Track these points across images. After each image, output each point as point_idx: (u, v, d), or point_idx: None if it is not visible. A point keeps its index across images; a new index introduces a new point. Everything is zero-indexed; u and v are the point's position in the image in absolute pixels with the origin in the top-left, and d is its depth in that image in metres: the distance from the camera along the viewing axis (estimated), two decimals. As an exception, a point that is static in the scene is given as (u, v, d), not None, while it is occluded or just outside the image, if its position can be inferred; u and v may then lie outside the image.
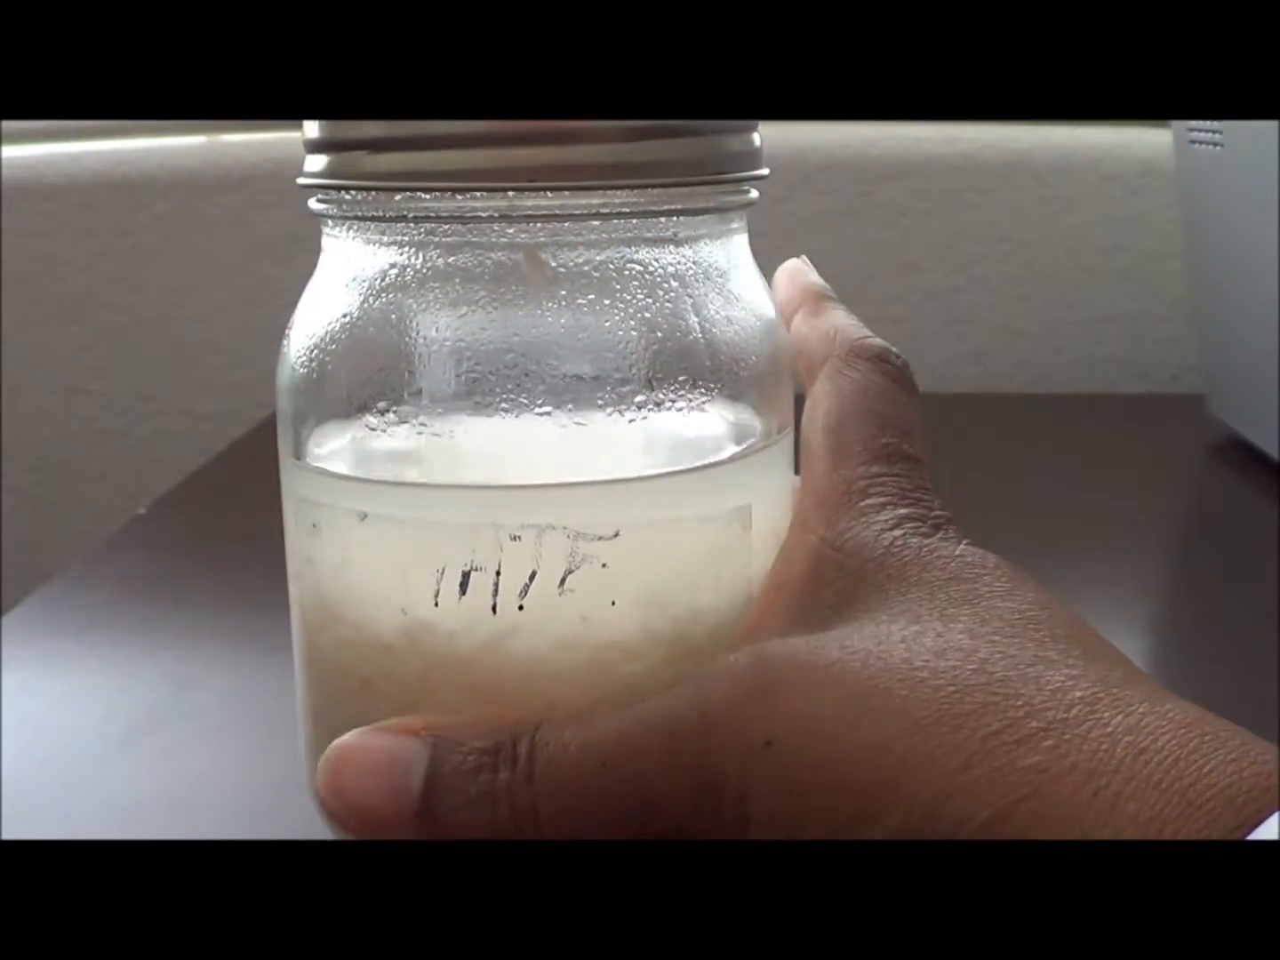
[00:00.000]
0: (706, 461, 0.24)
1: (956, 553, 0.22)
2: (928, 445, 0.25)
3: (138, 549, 0.51)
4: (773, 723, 0.19)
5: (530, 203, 0.22)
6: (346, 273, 0.24)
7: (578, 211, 0.22)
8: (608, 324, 0.23)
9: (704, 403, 0.24)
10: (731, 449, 0.25)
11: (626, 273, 0.23)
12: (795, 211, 0.75)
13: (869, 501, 0.23)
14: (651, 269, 0.23)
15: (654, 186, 0.23)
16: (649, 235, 0.23)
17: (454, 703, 0.23)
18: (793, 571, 0.23)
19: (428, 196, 0.22)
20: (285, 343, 0.25)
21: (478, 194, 0.22)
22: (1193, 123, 0.60)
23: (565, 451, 0.23)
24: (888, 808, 0.18)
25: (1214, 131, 0.58)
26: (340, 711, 0.25)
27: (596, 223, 0.23)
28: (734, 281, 0.25)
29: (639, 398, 0.23)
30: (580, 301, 0.23)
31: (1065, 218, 0.77)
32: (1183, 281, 0.72)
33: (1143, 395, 0.78)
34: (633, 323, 0.23)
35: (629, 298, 0.23)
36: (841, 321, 0.27)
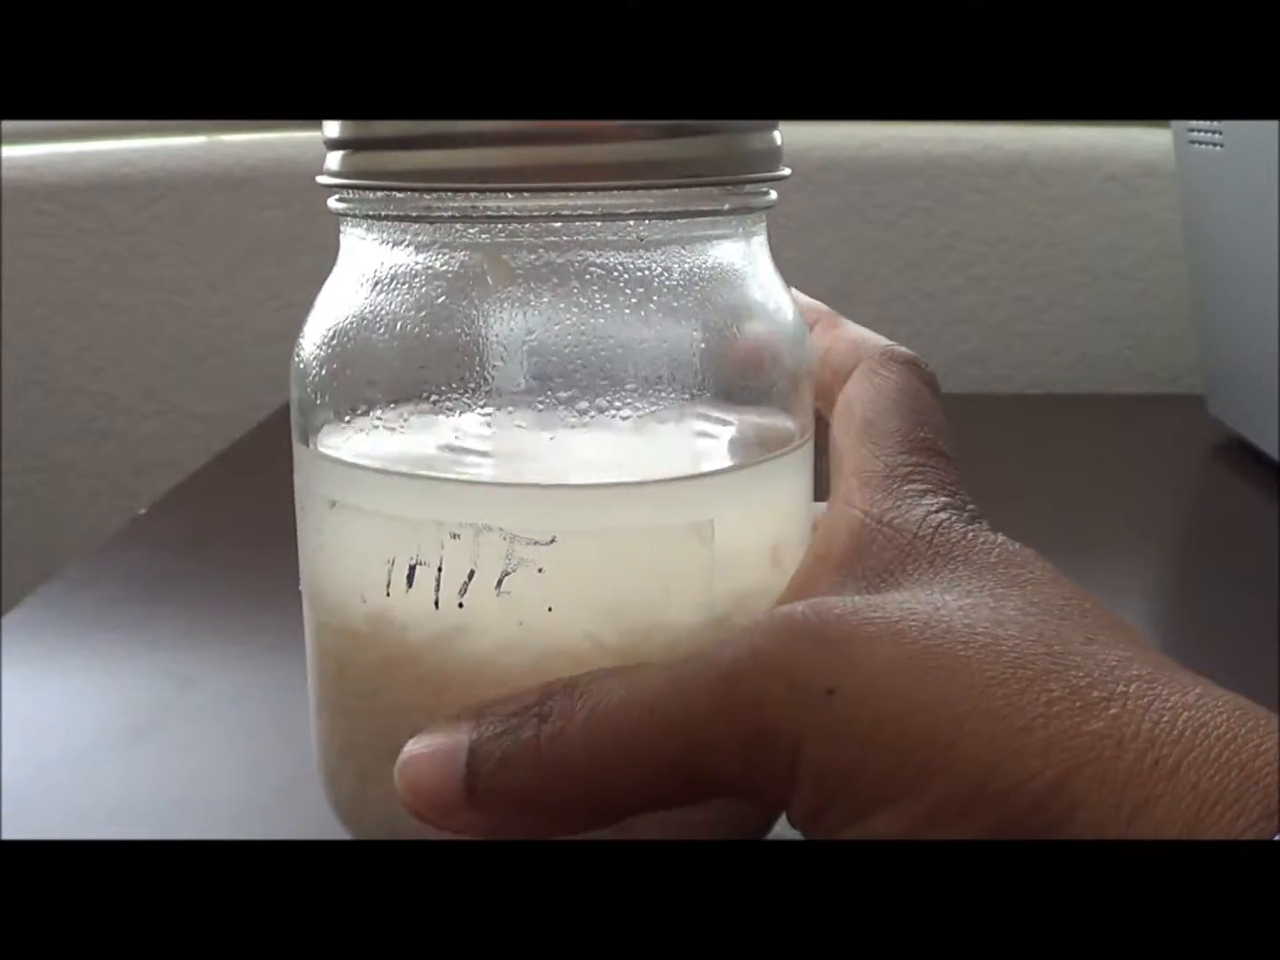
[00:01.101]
0: (657, 476, 0.24)
1: (998, 541, 0.22)
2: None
3: (138, 549, 0.51)
4: (837, 672, 0.19)
5: (555, 203, 0.22)
6: (360, 271, 0.24)
7: (592, 212, 0.22)
8: (615, 327, 0.23)
9: (704, 410, 0.24)
10: (718, 462, 0.25)
11: (641, 274, 0.23)
12: (795, 212, 0.75)
13: (911, 486, 0.24)
14: (654, 270, 0.23)
15: (679, 186, 0.23)
16: (658, 237, 0.23)
17: (408, 693, 0.24)
18: (835, 543, 0.24)
19: (448, 196, 0.23)
20: (302, 333, 0.25)
21: (495, 194, 0.22)
22: (1193, 123, 0.60)
23: (545, 454, 0.24)
24: (947, 765, 0.18)
25: (1214, 131, 0.58)
26: (322, 694, 0.26)
27: (630, 223, 0.23)
28: (751, 285, 0.25)
29: (628, 403, 0.23)
30: (589, 303, 0.23)
31: (1065, 218, 0.77)
32: (1183, 281, 0.72)
33: (1143, 395, 0.78)
34: (638, 326, 0.23)
35: (632, 299, 0.23)
36: (864, 331, 0.28)
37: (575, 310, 0.23)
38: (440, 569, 0.23)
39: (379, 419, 0.24)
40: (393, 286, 0.24)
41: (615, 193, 0.22)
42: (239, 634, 0.42)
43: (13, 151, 0.77)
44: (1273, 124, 0.50)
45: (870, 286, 0.77)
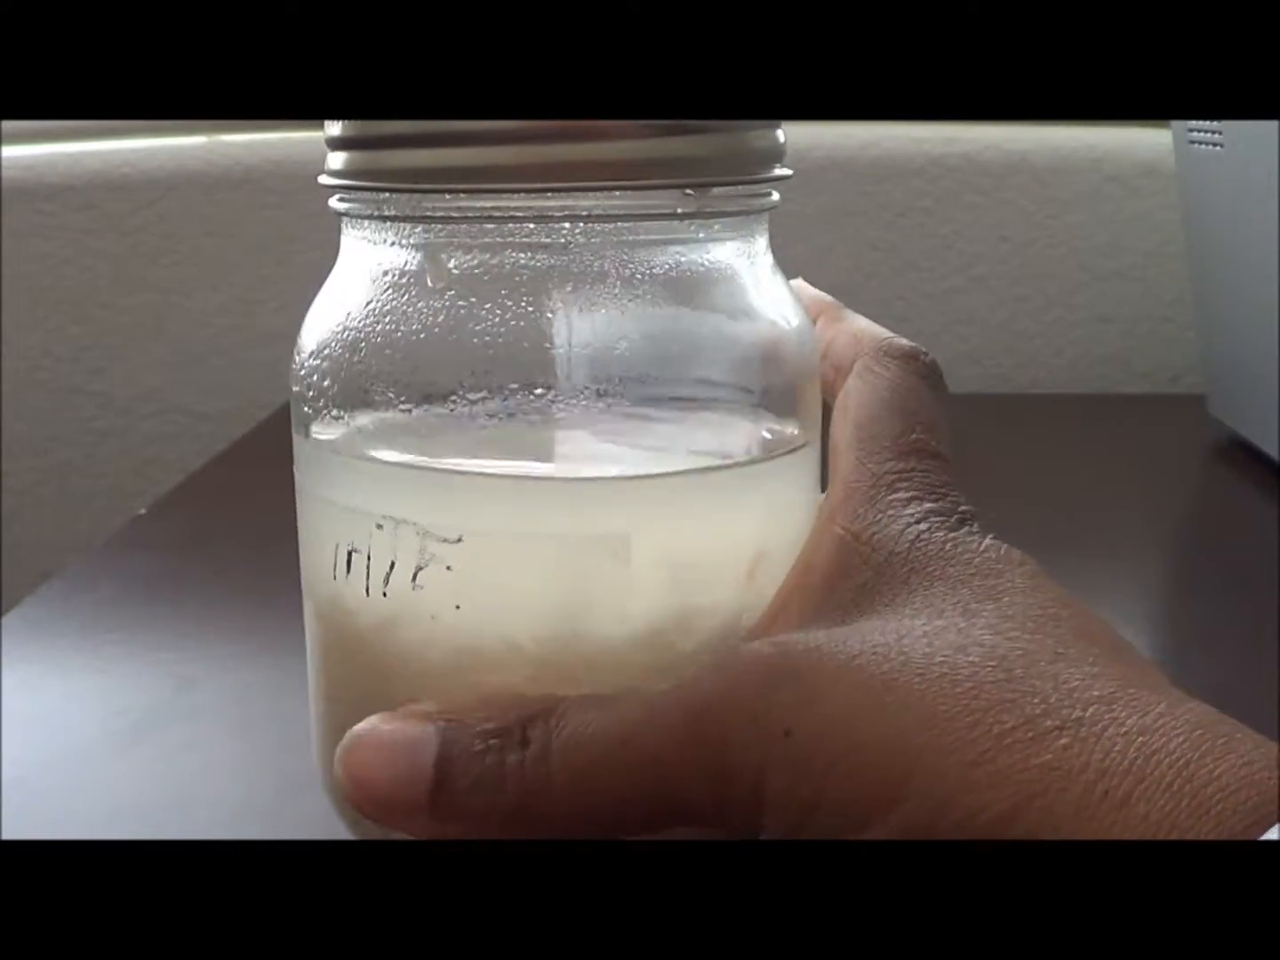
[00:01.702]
0: (561, 477, 0.24)
1: (981, 548, 0.22)
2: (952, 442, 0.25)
3: (138, 549, 0.51)
4: (793, 712, 0.20)
5: (556, 203, 0.22)
6: (358, 270, 0.24)
7: (593, 213, 0.22)
8: (613, 327, 0.23)
9: (677, 414, 0.24)
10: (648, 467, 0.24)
11: (639, 275, 0.23)
12: (795, 211, 0.75)
13: (896, 495, 0.23)
14: (654, 270, 0.23)
15: (680, 188, 0.23)
16: (660, 237, 0.23)
17: (353, 677, 0.24)
18: (818, 561, 0.24)
19: (448, 196, 0.23)
20: (301, 331, 0.25)
21: (500, 194, 0.22)
22: (1193, 123, 0.60)
23: (509, 453, 0.24)
24: (902, 799, 0.18)
25: (1214, 131, 0.58)
26: (312, 680, 0.26)
27: (631, 224, 0.23)
28: (751, 286, 0.25)
29: (613, 404, 0.23)
30: (588, 303, 0.23)
31: (1065, 218, 0.77)
32: (1183, 281, 0.72)
33: (1143, 395, 0.78)
34: (633, 326, 0.23)
35: (637, 299, 0.23)
36: (866, 324, 0.27)
37: (573, 310, 0.23)
38: (369, 558, 0.23)
39: (370, 414, 0.24)
40: (390, 286, 0.24)
41: (617, 193, 0.22)
42: (239, 634, 0.42)
43: (13, 151, 0.77)
44: (1273, 124, 0.50)
45: (870, 286, 0.77)
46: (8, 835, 0.29)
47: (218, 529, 0.53)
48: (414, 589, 0.23)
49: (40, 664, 0.40)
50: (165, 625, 0.43)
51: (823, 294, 0.29)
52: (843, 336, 0.27)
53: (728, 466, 0.24)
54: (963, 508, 0.23)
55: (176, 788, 0.32)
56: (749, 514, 0.24)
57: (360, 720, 0.22)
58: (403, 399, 0.23)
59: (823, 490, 0.26)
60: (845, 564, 0.23)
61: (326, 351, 0.24)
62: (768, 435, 0.25)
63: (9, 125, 0.77)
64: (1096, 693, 0.19)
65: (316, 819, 0.27)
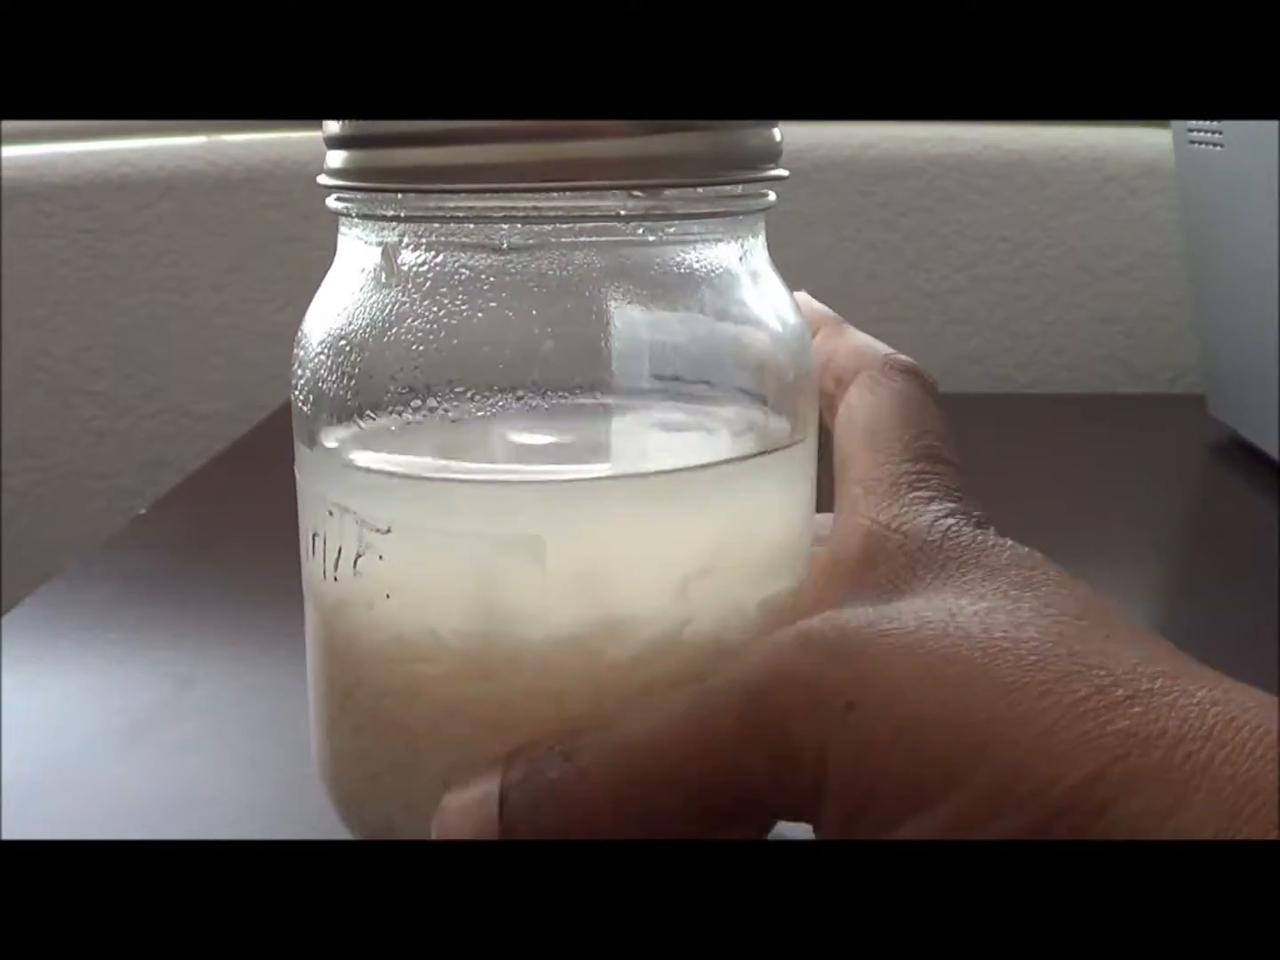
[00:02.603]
0: (488, 478, 0.24)
1: (1008, 545, 0.22)
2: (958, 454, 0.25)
3: (138, 549, 0.51)
4: (855, 686, 0.20)
5: (549, 204, 0.22)
6: (357, 269, 0.24)
7: (594, 213, 0.22)
8: (617, 330, 0.23)
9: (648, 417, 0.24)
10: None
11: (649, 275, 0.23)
12: (795, 211, 0.75)
13: (917, 494, 0.24)
14: (653, 270, 0.23)
15: (679, 186, 0.23)
16: (659, 237, 0.23)
17: (335, 659, 0.25)
18: (846, 553, 0.24)
19: (445, 196, 0.23)
20: (300, 331, 0.26)
21: (494, 194, 0.22)
22: (1193, 123, 0.60)
23: (484, 452, 0.24)
24: (972, 770, 0.18)
25: (1214, 131, 0.58)
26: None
27: (632, 223, 0.23)
28: (745, 287, 0.25)
29: (602, 402, 0.24)
30: (586, 304, 0.23)
31: (1065, 218, 0.77)
32: (1183, 281, 0.72)
33: (1143, 395, 0.78)
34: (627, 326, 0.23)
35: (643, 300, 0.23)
36: (867, 339, 0.28)
37: (571, 311, 0.23)
38: (325, 542, 0.24)
39: (370, 414, 0.24)
40: (388, 286, 0.24)
41: (616, 193, 0.22)
42: (239, 634, 0.42)
43: (13, 151, 0.77)
44: (1273, 124, 0.50)
45: (870, 286, 0.77)
46: (8, 835, 0.29)
47: (218, 529, 0.53)
48: (355, 575, 0.24)
49: (40, 664, 0.40)
50: (165, 625, 0.43)
51: (824, 308, 0.29)
52: (844, 350, 0.27)
53: (650, 475, 0.23)
54: (978, 513, 0.24)
55: (176, 788, 0.32)
56: (683, 524, 0.23)
57: (326, 704, 0.23)
58: (363, 397, 0.24)
59: (805, 501, 0.26)
60: (876, 552, 0.23)
61: (316, 348, 0.25)
62: (748, 437, 0.25)
63: (9, 125, 0.77)
64: (1160, 668, 0.19)
65: (316, 819, 0.27)
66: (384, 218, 0.23)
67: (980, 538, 0.22)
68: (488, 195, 0.22)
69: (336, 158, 0.24)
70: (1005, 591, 0.21)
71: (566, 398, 0.23)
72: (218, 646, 0.41)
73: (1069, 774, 0.18)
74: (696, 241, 0.24)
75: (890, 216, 0.76)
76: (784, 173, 0.25)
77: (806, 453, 0.25)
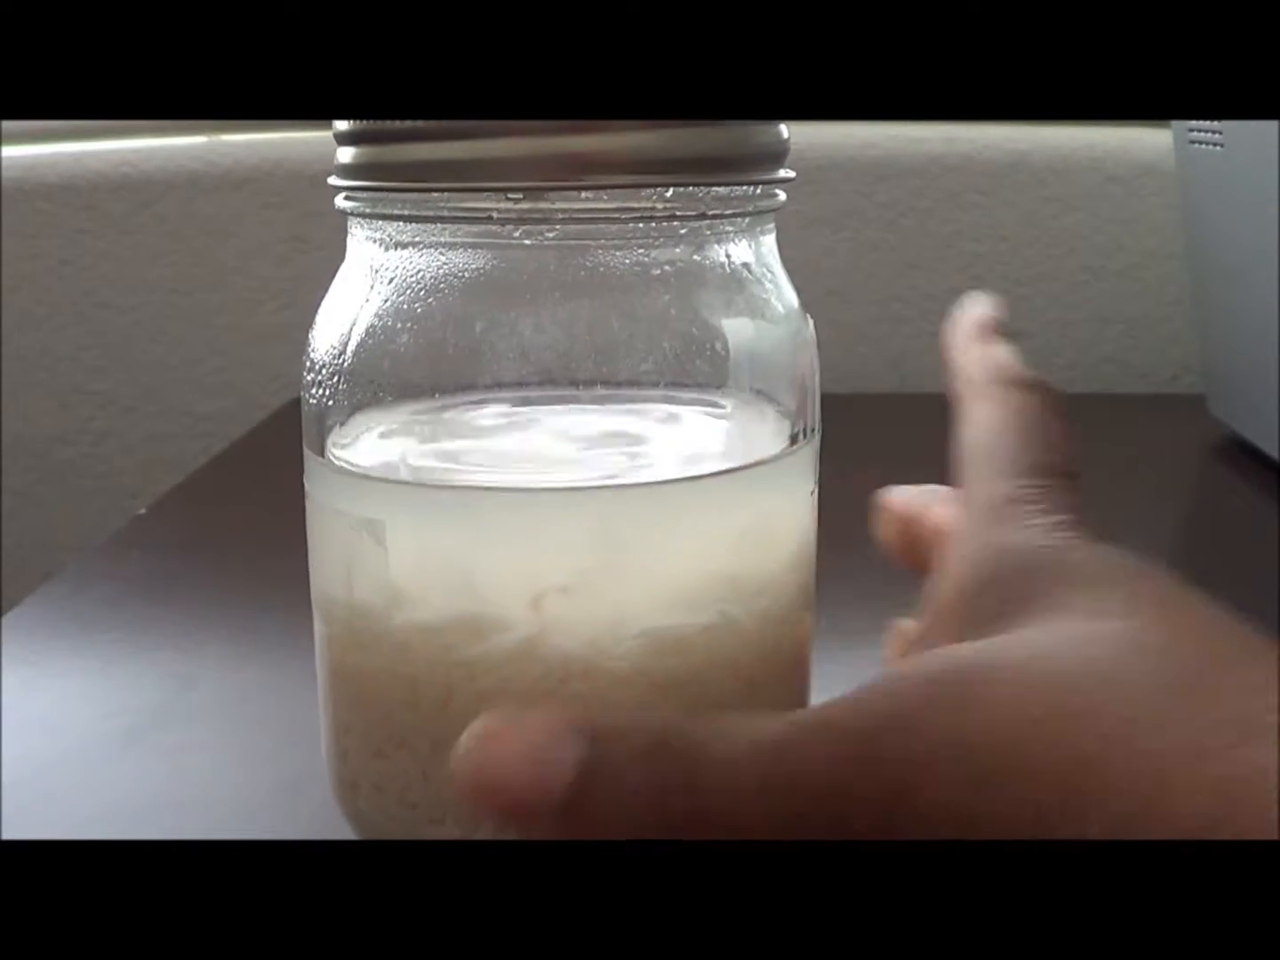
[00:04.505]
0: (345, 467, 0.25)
1: (1122, 553, 0.22)
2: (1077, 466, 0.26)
3: (138, 549, 0.51)
4: (968, 728, 0.19)
5: (556, 205, 0.22)
6: (366, 270, 0.24)
7: (603, 212, 0.22)
8: (629, 329, 0.23)
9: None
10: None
11: (658, 274, 0.23)
12: (795, 211, 0.74)
13: (1033, 508, 0.24)
14: (658, 270, 0.23)
15: (687, 185, 0.23)
16: (667, 237, 0.23)
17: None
18: (965, 571, 0.23)
19: (454, 195, 0.23)
20: (310, 335, 0.26)
21: (504, 193, 0.22)
22: (1193, 123, 0.60)
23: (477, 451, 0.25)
24: (1091, 810, 0.18)
25: (1214, 131, 0.58)
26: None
27: (643, 224, 0.23)
28: (759, 286, 0.25)
29: (610, 398, 0.24)
30: (592, 303, 0.23)
31: (1065, 218, 0.77)
32: (1183, 281, 0.72)
33: (1143, 395, 0.77)
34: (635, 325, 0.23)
35: (651, 300, 0.23)
36: (1003, 353, 0.28)
37: (566, 311, 0.23)
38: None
39: (375, 412, 0.25)
40: (390, 286, 0.24)
41: (626, 191, 0.22)
42: (239, 634, 0.42)
43: (13, 151, 0.77)
44: (1273, 124, 0.50)
45: (870, 286, 0.77)
46: (8, 835, 0.29)
47: (218, 529, 0.53)
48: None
49: (40, 664, 0.40)
50: (165, 625, 0.43)
51: (980, 314, 0.30)
52: (974, 360, 0.28)
53: (521, 490, 0.23)
54: (1091, 529, 0.23)
55: (176, 788, 0.32)
56: (536, 543, 0.23)
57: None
58: (439, 397, 0.24)
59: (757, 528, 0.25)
60: (987, 577, 0.23)
61: (325, 349, 0.25)
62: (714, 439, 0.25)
63: (9, 125, 0.77)
64: (1274, 699, 0.18)
65: (316, 819, 0.27)
66: (393, 217, 0.23)
67: (1100, 551, 0.22)
68: (497, 195, 0.22)
69: (346, 154, 0.24)
70: (1126, 602, 0.21)
71: (578, 396, 0.23)
72: (218, 646, 0.41)
73: (1195, 814, 0.17)
74: (706, 241, 0.24)
75: (890, 216, 0.76)
76: (791, 174, 0.25)
77: (793, 463, 0.25)
